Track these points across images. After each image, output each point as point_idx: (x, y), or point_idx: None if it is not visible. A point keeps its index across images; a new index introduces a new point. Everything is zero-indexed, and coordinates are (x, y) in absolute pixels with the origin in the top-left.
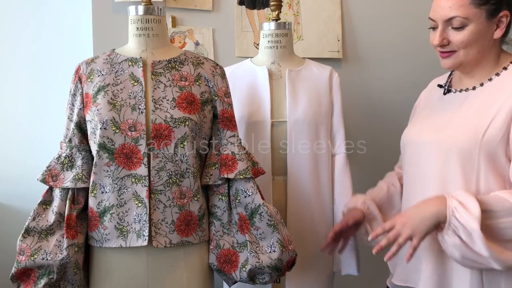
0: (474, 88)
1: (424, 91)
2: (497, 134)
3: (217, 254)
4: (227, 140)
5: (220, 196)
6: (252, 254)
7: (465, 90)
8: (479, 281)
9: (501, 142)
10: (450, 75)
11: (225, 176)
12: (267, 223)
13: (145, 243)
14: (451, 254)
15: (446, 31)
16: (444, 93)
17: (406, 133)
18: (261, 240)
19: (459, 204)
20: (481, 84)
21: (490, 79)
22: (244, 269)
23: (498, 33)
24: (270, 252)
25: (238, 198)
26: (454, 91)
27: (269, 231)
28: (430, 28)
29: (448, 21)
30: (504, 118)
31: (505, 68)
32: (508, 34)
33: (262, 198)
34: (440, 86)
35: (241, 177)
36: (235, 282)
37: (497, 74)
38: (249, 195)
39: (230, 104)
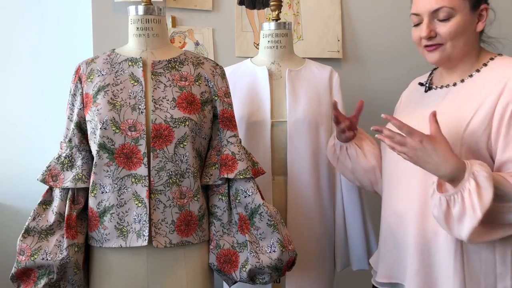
0: (455, 84)
1: (405, 91)
2: (478, 128)
3: (217, 254)
4: (227, 140)
5: (220, 196)
6: (252, 254)
7: (446, 86)
8: (461, 277)
9: (483, 136)
10: (430, 73)
11: (225, 176)
12: (267, 223)
13: (145, 243)
14: (431, 208)
15: (432, 23)
16: (426, 91)
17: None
18: (261, 240)
19: (476, 187)
20: (462, 80)
21: (470, 75)
22: (244, 269)
23: (480, 26)
24: (270, 252)
25: (238, 198)
26: (435, 87)
27: (269, 231)
28: (414, 26)
29: (435, 12)
30: (486, 113)
31: (485, 65)
32: (484, 29)
33: (262, 198)
34: (421, 84)
35: (241, 177)
36: (235, 282)
37: (478, 70)
38: (249, 195)
39: (230, 104)
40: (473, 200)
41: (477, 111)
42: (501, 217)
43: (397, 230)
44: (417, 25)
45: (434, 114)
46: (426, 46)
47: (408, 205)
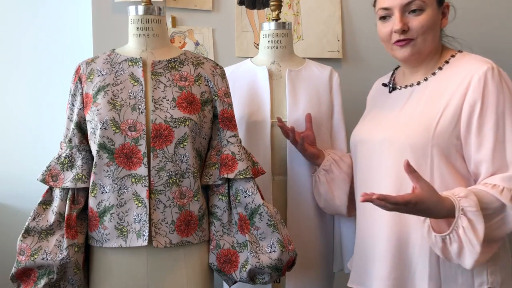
0: (418, 83)
1: (369, 94)
2: (447, 128)
3: (217, 254)
4: (227, 140)
5: (220, 196)
6: (252, 254)
7: (410, 86)
8: (437, 277)
9: (453, 136)
10: (392, 73)
11: (225, 176)
12: (267, 223)
13: (145, 243)
14: (429, 243)
15: (404, 17)
16: (390, 91)
17: (356, 133)
18: (261, 240)
19: (468, 223)
20: (426, 79)
21: (434, 73)
22: (244, 269)
23: (444, 22)
24: (270, 252)
25: (238, 198)
26: (399, 88)
27: (269, 231)
28: (381, 20)
29: (407, 5)
30: (453, 112)
31: (447, 62)
32: (443, 28)
33: (262, 198)
34: (384, 85)
35: (241, 177)
36: (235, 282)
37: (440, 68)
38: (249, 195)
39: (230, 104)
40: (469, 236)
41: (445, 110)
42: (494, 234)
43: (367, 234)
44: (383, 19)
45: (408, 164)
46: (397, 41)
47: (380, 208)
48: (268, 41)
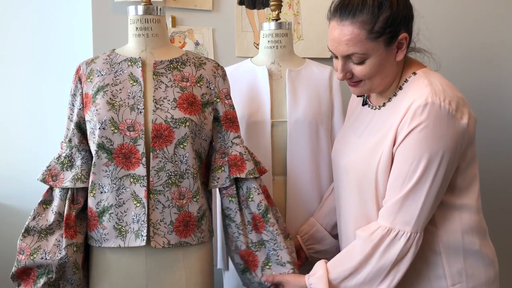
0: (379, 107)
1: (351, 97)
2: (388, 164)
3: (240, 255)
4: (231, 141)
5: (230, 198)
6: (271, 252)
7: (373, 108)
8: None
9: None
10: None
11: (237, 176)
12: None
13: (144, 243)
14: None
15: (347, 65)
16: (363, 104)
17: (334, 147)
18: (278, 235)
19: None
20: (384, 104)
21: (390, 99)
22: (267, 267)
23: (400, 55)
24: (287, 247)
25: (251, 196)
26: (369, 105)
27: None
28: (333, 57)
29: (347, 56)
30: (389, 149)
31: (400, 88)
32: (409, 47)
33: (268, 200)
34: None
35: (251, 176)
36: (259, 284)
37: (395, 94)
38: (261, 193)
39: (232, 106)
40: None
41: (385, 146)
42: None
43: None
44: (334, 56)
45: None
46: (347, 82)
47: (349, 225)
48: (268, 41)
